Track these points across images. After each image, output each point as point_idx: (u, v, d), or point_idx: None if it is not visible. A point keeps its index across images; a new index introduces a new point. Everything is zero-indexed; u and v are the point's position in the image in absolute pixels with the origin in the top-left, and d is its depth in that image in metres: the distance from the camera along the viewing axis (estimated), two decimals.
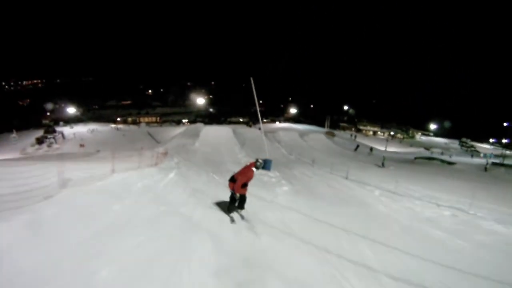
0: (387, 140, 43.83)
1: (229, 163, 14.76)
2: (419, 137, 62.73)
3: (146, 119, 51.82)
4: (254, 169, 6.01)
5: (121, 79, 72.31)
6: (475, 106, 69.98)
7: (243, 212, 6.11)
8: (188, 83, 69.81)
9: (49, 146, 30.93)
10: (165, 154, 13.09)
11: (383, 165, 18.76)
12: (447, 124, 62.63)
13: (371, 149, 32.56)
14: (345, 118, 68.70)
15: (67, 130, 38.06)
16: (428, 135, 64.36)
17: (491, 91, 73.79)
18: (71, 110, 44.10)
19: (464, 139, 57.67)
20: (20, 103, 64.77)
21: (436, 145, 50.50)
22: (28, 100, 64.41)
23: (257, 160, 6.03)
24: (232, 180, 5.91)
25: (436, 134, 65.87)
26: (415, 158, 30.39)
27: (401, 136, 60.00)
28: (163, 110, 58.21)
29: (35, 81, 74.95)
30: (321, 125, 54.75)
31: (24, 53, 72.57)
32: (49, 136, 30.36)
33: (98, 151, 18.82)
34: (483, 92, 74.70)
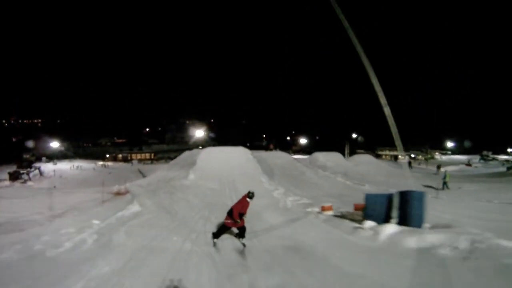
0: (410, 161, 42.10)
1: (266, 215, 8.92)
2: (439, 157, 61.05)
3: (139, 156, 48.95)
4: (248, 199, 6.55)
5: (116, 117, 71.73)
6: (488, 120, 68.49)
7: (244, 240, 6.37)
8: (187, 121, 68.86)
9: (23, 183, 27.75)
10: (123, 194, 10.36)
11: None
12: (467, 143, 62.28)
13: (439, 166, 29.82)
14: (360, 144, 67.04)
15: (49, 166, 35.54)
16: (446, 153, 63.69)
17: (502, 103, 72.22)
18: (55, 145, 41.81)
19: (485, 153, 56.84)
20: (14, 139, 63.55)
21: (462, 162, 48.43)
22: (20, 137, 63.23)
23: (249, 192, 6.60)
24: (229, 213, 6.42)
25: (454, 152, 65.20)
26: (509, 168, 26.75)
27: (422, 158, 58.74)
28: (160, 147, 55.88)
29: (35, 120, 74.99)
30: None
31: (24, 93, 73.46)
32: (22, 172, 27.31)
33: (54, 186, 18.24)
34: (494, 105, 72.97)
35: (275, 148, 38.96)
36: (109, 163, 41.84)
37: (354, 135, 68.19)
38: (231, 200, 10.05)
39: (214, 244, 6.24)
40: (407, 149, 62.05)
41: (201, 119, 70.89)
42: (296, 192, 13.71)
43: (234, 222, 6.31)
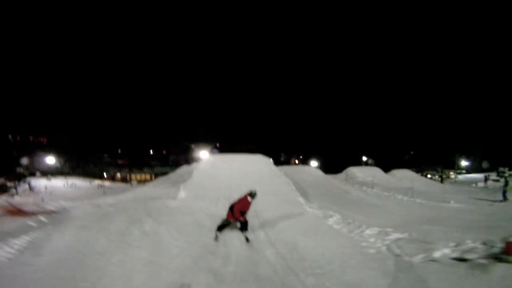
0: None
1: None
2: (454, 176, 59.89)
3: (139, 177, 46.74)
4: (249, 198, 6.82)
5: (120, 137, 71.02)
6: (500, 136, 66.64)
7: (247, 234, 6.53)
8: (192, 144, 67.62)
9: (10, 196, 25.87)
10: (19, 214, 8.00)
11: None
12: (485, 164, 59.63)
13: (487, 178, 28.11)
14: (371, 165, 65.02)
15: (41, 182, 33.73)
16: (460, 173, 62.16)
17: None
18: (51, 160, 40.23)
19: (501, 169, 55.04)
20: (16, 154, 62.98)
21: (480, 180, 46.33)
22: (22, 153, 62.58)
23: (251, 191, 6.84)
24: (231, 209, 6.76)
25: (469, 171, 63.42)
26: None
27: (438, 177, 57.90)
28: (162, 169, 53.75)
29: (41, 139, 74.88)
30: None
31: (32, 111, 74.15)
32: (8, 185, 25.36)
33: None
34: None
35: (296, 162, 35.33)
36: (107, 183, 39.68)
37: (364, 158, 66.82)
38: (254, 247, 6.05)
39: (216, 238, 6.29)
40: (421, 170, 62.11)
41: (206, 142, 69.69)
42: (361, 219, 8.99)
43: (235, 218, 6.55)
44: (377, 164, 66.43)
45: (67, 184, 34.32)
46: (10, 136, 69.84)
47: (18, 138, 70.88)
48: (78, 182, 36.69)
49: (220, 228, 6.60)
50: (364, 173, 23.95)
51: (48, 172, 37.92)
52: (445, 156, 65.36)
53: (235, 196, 8.78)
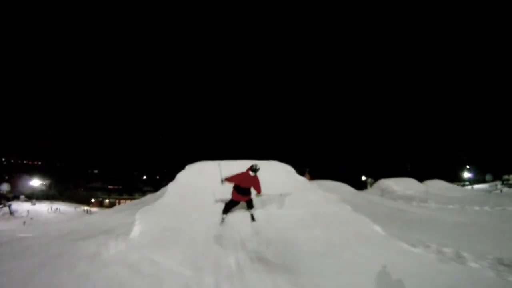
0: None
1: None
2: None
3: (128, 203, 44.99)
4: (251, 173, 6.28)
5: (113, 161, 70.18)
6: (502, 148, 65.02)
7: (253, 211, 6.29)
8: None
9: None
10: None
11: None
12: (489, 177, 59.01)
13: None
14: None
15: (25, 206, 32.36)
16: (464, 185, 59.72)
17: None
18: (35, 183, 39.00)
19: (506, 177, 55.62)
20: (6, 177, 61.57)
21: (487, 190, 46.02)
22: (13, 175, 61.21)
23: (252, 166, 6.34)
24: (236, 188, 6.30)
25: (471, 183, 62.37)
26: None
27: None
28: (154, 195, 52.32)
29: (35, 162, 73.81)
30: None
31: (27, 134, 73.84)
32: None
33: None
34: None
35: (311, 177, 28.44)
36: (94, 209, 38.16)
37: (363, 177, 65.28)
38: None
39: (222, 220, 6.06)
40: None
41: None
42: (456, 246, 5.56)
43: (241, 196, 6.31)
44: (376, 178, 64.97)
45: (51, 209, 32.98)
46: (3, 159, 68.70)
47: (4, 160, 69.64)
48: (63, 207, 35.29)
49: (225, 210, 6.18)
50: (402, 186, 21.27)
51: (33, 196, 36.55)
52: (445, 168, 64.57)
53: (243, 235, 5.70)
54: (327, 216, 6.82)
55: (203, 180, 8.36)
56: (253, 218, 6.11)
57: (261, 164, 7.01)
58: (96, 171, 71.25)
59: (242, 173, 6.23)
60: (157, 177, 72.32)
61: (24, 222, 23.43)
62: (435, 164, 65.99)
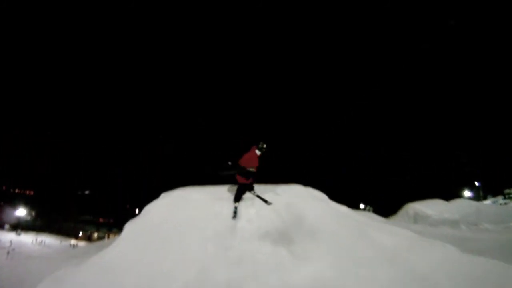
0: None
1: None
2: None
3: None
4: (257, 151, 5.86)
5: (106, 193, 68.51)
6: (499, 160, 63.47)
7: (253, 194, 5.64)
8: None
9: None
10: None
11: None
12: (490, 197, 55.78)
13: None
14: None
15: (8, 236, 31.18)
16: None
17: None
18: (21, 212, 37.87)
19: (507, 191, 52.11)
20: None
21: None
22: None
23: (259, 143, 5.86)
24: (240, 172, 5.69)
25: (473, 200, 60.34)
26: None
27: None
28: None
29: (26, 191, 72.21)
30: None
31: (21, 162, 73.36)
32: None
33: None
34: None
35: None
36: (81, 243, 36.55)
37: (361, 205, 63.10)
38: None
39: (235, 213, 5.22)
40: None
41: None
42: None
43: (245, 179, 5.75)
44: (375, 211, 62.03)
45: (36, 241, 31.60)
46: None
47: (4, 188, 68.14)
48: (49, 240, 33.86)
49: (236, 198, 5.54)
50: (435, 209, 18.77)
51: (19, 226, 35.26)
52: (443, 189, 63.53)
53: None
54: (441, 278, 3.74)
55: (190, 217, 5.11)
56: (266, 202, 5.37)
57: (278, 190, 5.93)
58: (86, 203, 69.61)
59: (249, 153, 5.88)
60: None
61: (8, 253, 22.33)
62: (434, 183, 64.57)
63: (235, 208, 5.33)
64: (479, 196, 63.97)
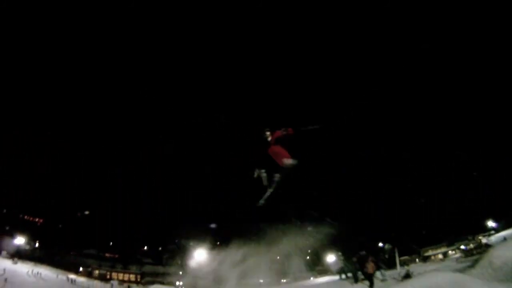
0: None
1: None
2: (486, 240, 53.77)
3: (121, 276, 40.27)
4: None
5: (112, 230, 66.68)
6: None
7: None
8: (191, 242, 62.35)
9: None
10: None
11: None
12: None
13: None
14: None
15: (4, 263, 29.56)
16: (490, 235, 56.70)
17: None
18: (19, 241, 36.49)
19: None
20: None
21: None
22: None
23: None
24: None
25: (498, 230, 57.34)
26: None
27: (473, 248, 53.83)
28: (154, 268, 47.80)
29: (35, 219, 71.48)
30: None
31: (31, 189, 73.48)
32: None
33: None
34: None
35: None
36: (81, 279, 33.88)
37: (380, 244, 58.03)
38: None
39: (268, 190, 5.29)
40: (451, 242, 58.32)
41: (204, 239, 64.05)
42: None
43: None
44: (397, 247, 57.51)
45: (32, 273, 29.46)
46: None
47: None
48: (46, 272, 31.73)
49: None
50: None
51: (16, 255, 33.57)
52: (469, 219, 58.63)
53: None
54: None
55: None
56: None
57: None
58: (90, 236, 67.67)
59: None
60: (159, 248, 66.94)
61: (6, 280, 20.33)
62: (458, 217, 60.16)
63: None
64: (503, 226, 59.40)
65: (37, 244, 46.03)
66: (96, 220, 69.94)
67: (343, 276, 25.91)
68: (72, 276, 33.42)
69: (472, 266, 14.94)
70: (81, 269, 39.46)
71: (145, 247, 68.87)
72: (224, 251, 64.18)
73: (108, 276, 39.59)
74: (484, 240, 54.21)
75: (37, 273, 30.15)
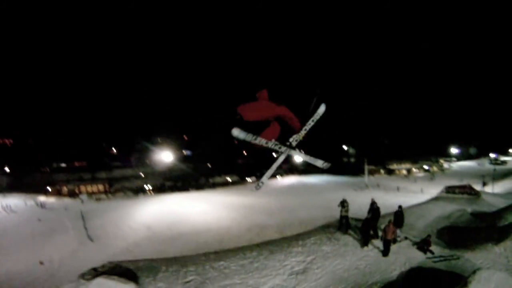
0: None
1: None
2: (447, 165, 62.07)
3: (90, 188, 44.29)
4: None
5: (76, 132, 65.78)
6: (489, 122, 70.02)
7: None
8: (159, 138, 64.63)
9: None
10: None
11: None
12: (473, 150, 65.84)
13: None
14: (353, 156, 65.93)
15: None
16: (450, 161, 64.70)
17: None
18: None
19: (494, 156, 60.53)
20: None
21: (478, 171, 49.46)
22: None
23: None
24: None
25: (459, 158, 66.26)
26: None
27: (436, 169, 58.65)
28: (123, 172, 51.41)
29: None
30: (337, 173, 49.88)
31: None
32: None
33: None
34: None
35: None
36: (51, 199, 37.38)
37: (344, 147, 64.42)
38: None
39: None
40: (415, 160, 63.35)
41: (174, 134, 66.26)
42: None
43: None
44: (358, 153, 65.37)
45: (1, 207, 31.34)
46: None
47: None
48: (15, 202, 33.70)
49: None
50: None
51: None
52: (434, 143, 65.71)
53: None
54: None
55: None
56: None
57: None
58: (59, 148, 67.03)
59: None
60: (128, 150, 69.23)
61: None
62: (424, 141, 65.53)
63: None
64: (464, 155, 65.10)
65: (7, 169, 46.91)
66: (65, 129, 68.18)
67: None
68: (41, 199, 35.96)
69: None
70: (49, 188, 41.73)
71: (113, 149, 71.80)
72: (194, 152, 67.36)
73: (77, 191, 42.76)
74: (445, 165, 62.01)
75: (7, 206, 32.11)
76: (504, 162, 57.34)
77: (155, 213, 31.20)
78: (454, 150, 66.38)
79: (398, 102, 77.80)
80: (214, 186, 52.32)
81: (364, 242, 10.48)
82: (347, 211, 11.76)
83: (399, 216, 11.86)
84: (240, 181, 56.01)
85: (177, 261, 9.72)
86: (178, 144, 66.89)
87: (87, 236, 25.46)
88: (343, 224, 11.53)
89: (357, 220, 12.94)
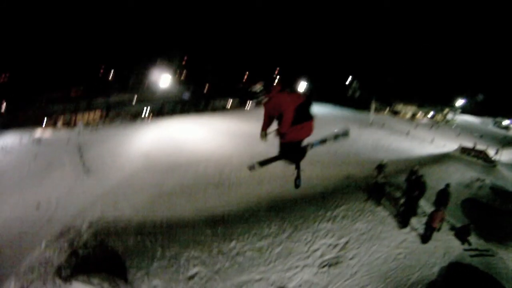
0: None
1: None
2: (451, 116, 61.01)
3: (86, 117, 42.75)
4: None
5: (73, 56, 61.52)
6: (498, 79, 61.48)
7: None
8: (156, 60, 59.86)
9: None
10: None
11: None
12: (480, 98, 60.57)
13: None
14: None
15: None
16: (455, 113, 63.00)
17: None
18: None
19: (499, 119, 57.87)
20: None
21: (480, 131, 48.59)
22: None
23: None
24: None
25: (464, 110, 64.15)
26: None
27: (441, 118, 58.78)
28: (119, 98, 49.07)
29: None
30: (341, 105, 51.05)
31: None
32: None
33: None
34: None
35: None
36: (47, 133, 36.14)
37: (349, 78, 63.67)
38: None
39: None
40: (421, 104, 61.08)
41: (172, 56, 61.19)
42: None
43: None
44: (362, 87, 61.96)
45: None
46: None
47: None
48: (10, 141, 32.14)
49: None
50: None
51: None
52: (433, 90, 60.40)
53: None
54: None
55: None
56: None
57: None
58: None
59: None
60: (126, 72, 65.81)
61: None
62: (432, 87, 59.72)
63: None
64: (469, 108, 60.76)
65: (3, 106, 45.31)
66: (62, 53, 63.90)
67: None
68: (37, 134, 34.57)
69: None
70: (45, 121, 40.47)
71: (112, 72, 67.98)
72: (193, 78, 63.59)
73: (73, 121, 41.33)
74: (450, 115, 59.91)
75: (2, 147, 30.62)
76: (507, 128, 56.13)
77: (153, 140, 30.15)
78: (460, 102, 62.74)
79: (406, 41, 68.32)
80: (214, 110, 50.77)
81: (404, 223, 9.80)
82: (385, 177, 9.86)
83: (445, 195, 10.25)
84: (240, 106, 54.09)
85: (177, 235, 7.76)
86: (177, 65, 62.24)
87: (84, 170, 24.30)
88: (378, 192, 9.90)
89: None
